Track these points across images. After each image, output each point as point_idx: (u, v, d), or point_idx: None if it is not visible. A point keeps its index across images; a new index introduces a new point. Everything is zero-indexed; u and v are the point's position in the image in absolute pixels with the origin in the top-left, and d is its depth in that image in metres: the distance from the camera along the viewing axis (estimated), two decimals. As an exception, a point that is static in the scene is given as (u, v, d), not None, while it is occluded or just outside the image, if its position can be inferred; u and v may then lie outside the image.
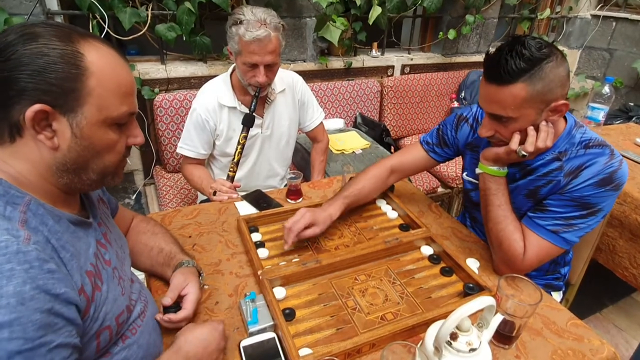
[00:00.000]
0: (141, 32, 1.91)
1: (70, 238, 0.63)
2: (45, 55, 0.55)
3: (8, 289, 0.48)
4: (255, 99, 1.43)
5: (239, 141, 1.45)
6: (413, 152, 1.30)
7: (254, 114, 1.45)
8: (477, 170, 1.08)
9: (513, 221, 1.03)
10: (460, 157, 1.28)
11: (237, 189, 1.41)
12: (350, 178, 1.46)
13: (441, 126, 1.27)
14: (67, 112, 0.58)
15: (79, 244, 0.65)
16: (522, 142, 0.96)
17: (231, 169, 1.47)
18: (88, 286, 0.62)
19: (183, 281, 0.86)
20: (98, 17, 1.80)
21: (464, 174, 1.26)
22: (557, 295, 1.29)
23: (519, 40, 0.88)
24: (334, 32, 2.26)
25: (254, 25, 1.29)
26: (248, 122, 1.44)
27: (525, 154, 0.94)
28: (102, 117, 0.61)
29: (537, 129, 0.95)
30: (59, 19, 1.88)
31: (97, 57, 0.59)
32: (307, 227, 1.05)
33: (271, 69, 1.40)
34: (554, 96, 0.90)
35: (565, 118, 1.04)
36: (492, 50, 0.94)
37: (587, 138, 1.01)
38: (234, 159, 1.46)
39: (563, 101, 0.92)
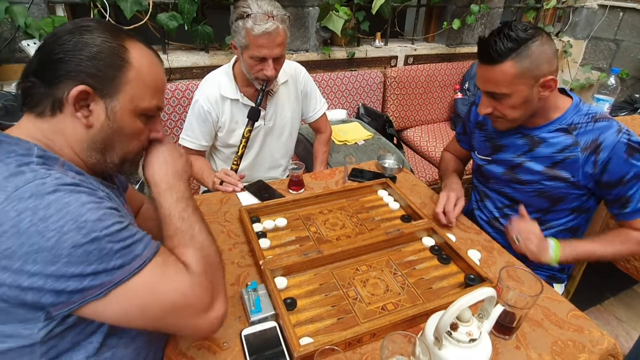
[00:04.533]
0: (142, 22, 1.90)
1: (108, 191, 0.70)
2: (97, 45, 0.64)
3: (81, 198, 0.58)
4: (262, 93, 1.42)
5: (243, 134, 1.44)
6: (454, 142, 1.48)
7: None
8: (556, 261, 1.04)
9: (611, 244, 1.07)
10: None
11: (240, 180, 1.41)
12: (353, 169, 1.47)
13: (465, 116, 1.38)
14: (105, 96, 0.66)
15: (114, 198, 0.72)
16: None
17: (235, 162, 1.46)
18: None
19: None
20: (99, 5, 1.79)
21: (474, 153, 1.32)
22: (559, 288, 1.29)
23: (507, 24, 0.99)
24: (337, 22, 2.24)
25: (262, 19, 1.27)
26: (254, 116, 1.43)
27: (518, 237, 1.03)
28: (134, 106, 0.68)
29: (530, 105, 1.04)
30: (60, 8, 1.86)
31: (139, 54, 0.68)
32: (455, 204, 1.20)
33: (278, 62, 1.39)
34: (542, 72, 0.98)
35: (570, 96, 1.12)
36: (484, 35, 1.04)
37: (593, 111, 1.08)
38: (237, 152, 1.45)
39: (551, 76, 0.99)
